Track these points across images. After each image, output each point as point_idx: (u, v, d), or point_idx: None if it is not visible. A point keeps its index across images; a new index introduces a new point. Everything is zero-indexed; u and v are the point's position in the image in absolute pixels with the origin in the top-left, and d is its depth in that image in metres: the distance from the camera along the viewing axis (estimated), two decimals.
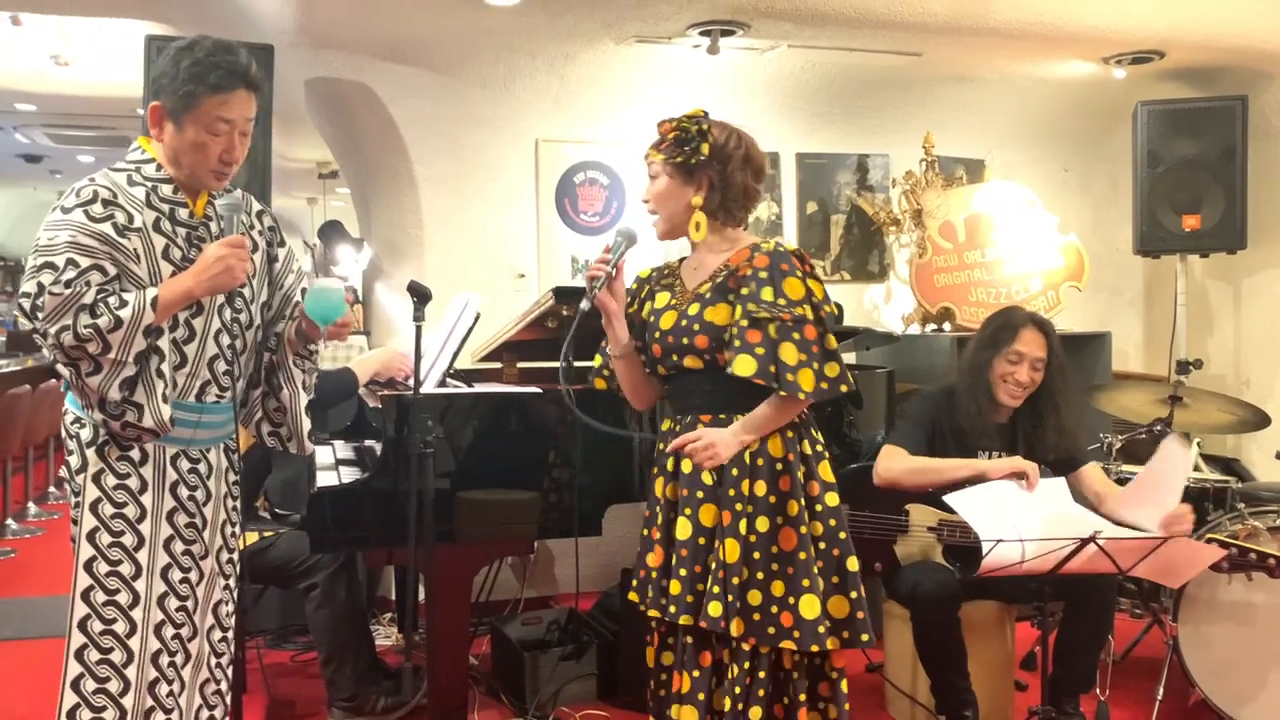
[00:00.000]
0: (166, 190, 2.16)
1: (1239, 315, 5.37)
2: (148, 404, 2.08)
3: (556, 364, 3.48)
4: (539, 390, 3.15)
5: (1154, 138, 4.77)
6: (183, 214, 2.17)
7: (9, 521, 6.14)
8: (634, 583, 2.45)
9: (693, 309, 2.35)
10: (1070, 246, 4.97)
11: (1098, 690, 3.16)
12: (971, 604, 3.05)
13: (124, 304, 2.02)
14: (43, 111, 7.20)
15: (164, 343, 2.09)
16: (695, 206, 2.35)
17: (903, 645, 3.20)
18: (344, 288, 2.31)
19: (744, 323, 2.26)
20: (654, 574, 2.38)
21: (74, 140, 8.24)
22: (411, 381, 2.83)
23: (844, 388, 2.31)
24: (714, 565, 2.26)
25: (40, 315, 2.00)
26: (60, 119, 7.44)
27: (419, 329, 2.72)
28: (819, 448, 2.39)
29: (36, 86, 6.38)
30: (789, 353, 2.23)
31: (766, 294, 2.25)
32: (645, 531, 2.45)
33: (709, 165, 2.34)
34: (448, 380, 3.31)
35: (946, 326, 4.87)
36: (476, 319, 3.24)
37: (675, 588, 2.30)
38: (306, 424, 2.39)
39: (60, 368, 2.06)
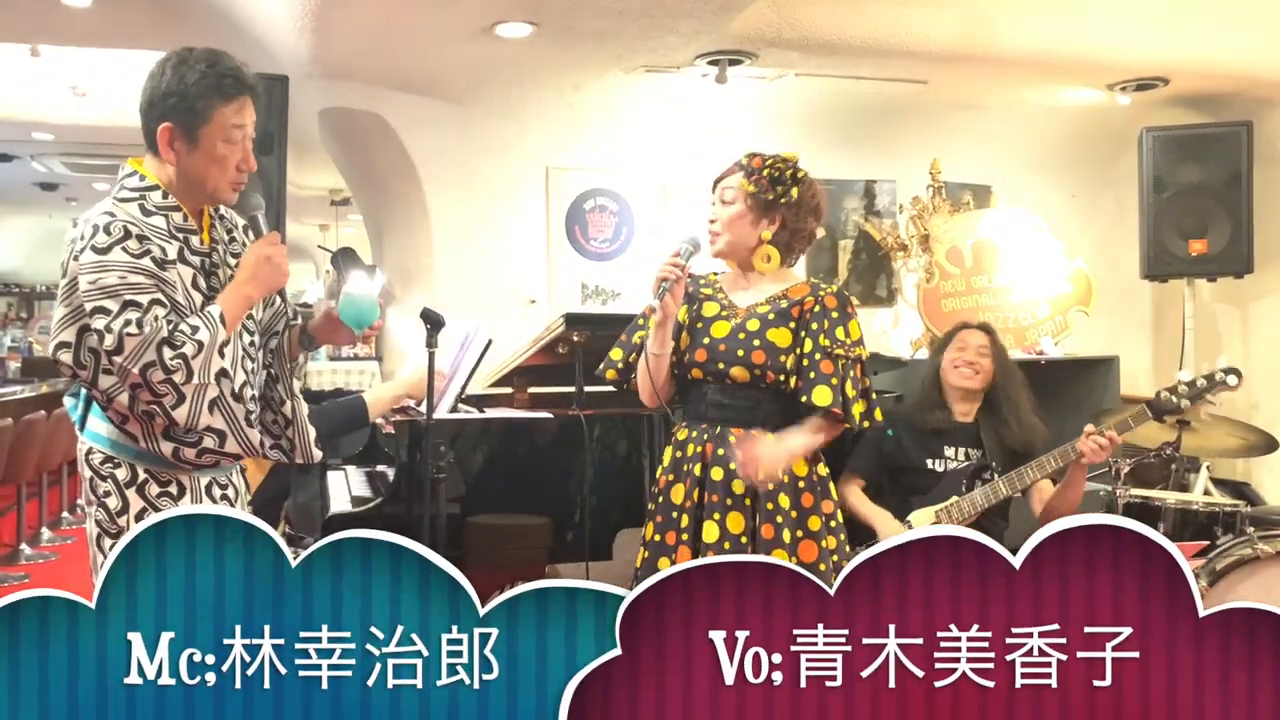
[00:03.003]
0: (178, 219, 2.12)
1: (1247, 339, 5.38)
2: (230, 429, 2.07)
3: (567, 389, 3.53)
4: (549, 415, 3.18)
5: (1160, 163, 4.79)
6: (195, 242, 2.14)
7: (23, 547, 6.17)
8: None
9: (751, 324, 2.47)
10: (1077, 271, 4.99)
11: None
12: None
13: (196, 328, 2.01)
14: (60, 141, 7.30)
15: (227, 365, 2.08)
16: (765, 240, 2.50)
17: None
18: (377, 292, 2.35)
19: (817, 356, 2.42)
20: None
21: (90, 169, 8.34)
22: (424, 404, 2.86)
23: (866, 424, 2.50)
24: None
25: (120, 357, 1.96)
26: (77, 148, 7.54)
27: (432, 355, 2.75)
28: (827, 471, 2.55)
29: (54, 116, 6.48)
30: (849, 388, 2.44)
31: (840, 333, 2.45)
32: (657, 537, 2.50)
33: (789, 207, 2.48)
34: (459, 406, 3.34)
35: None
36: (488, 345, 3.27)
37: None
38: (311, 432, 2.36)
39: (125, 402, 2.02)
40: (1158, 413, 3.07)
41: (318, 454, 2.39)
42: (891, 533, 3.06)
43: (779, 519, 2.41)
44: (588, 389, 3.37)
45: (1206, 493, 3.94)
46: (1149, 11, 4.04)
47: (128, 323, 1.98)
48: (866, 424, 2.49)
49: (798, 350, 2.44)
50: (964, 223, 5.04)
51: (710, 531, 2.43)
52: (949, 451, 3.23)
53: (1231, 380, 3.06)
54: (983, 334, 3.34)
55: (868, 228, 5.35)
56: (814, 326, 2.44)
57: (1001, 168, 5.51)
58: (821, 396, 2.39)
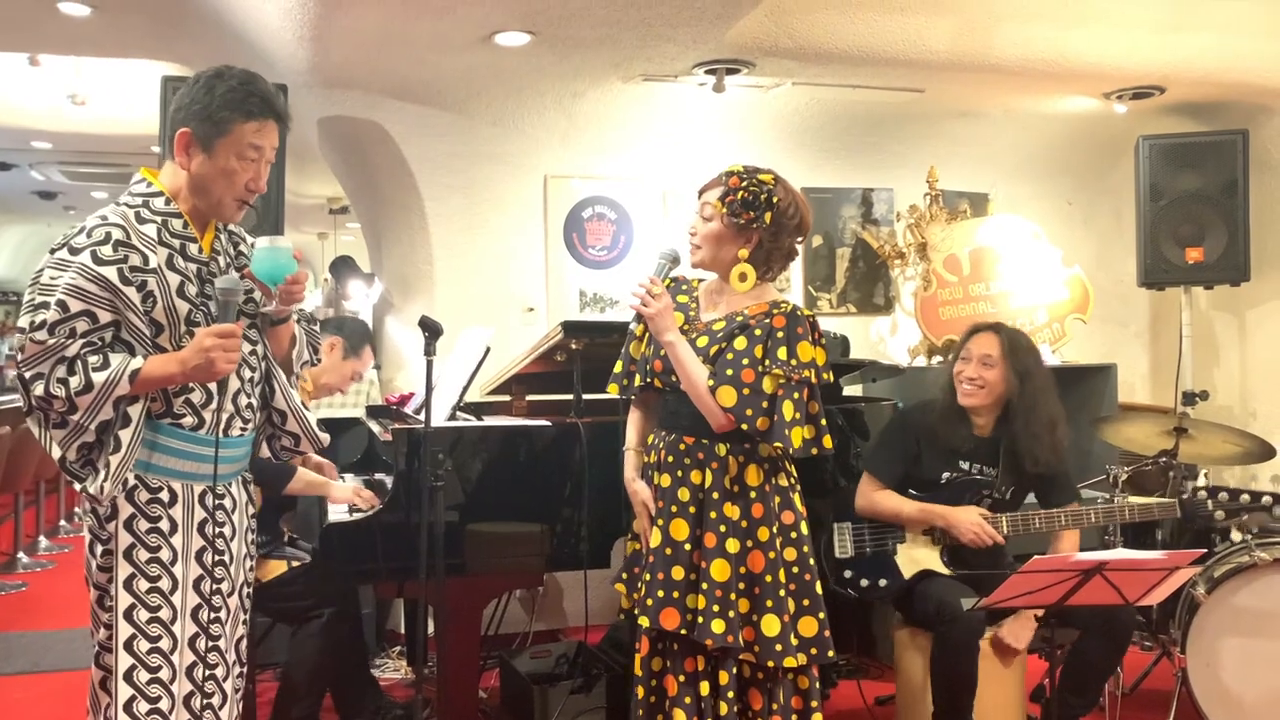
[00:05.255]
0: (176, 225, 2.13)
1: (1244, 347, 5.38)
2: (103, 472, 2.03)
3: (565, 396, 3.53)
4: (548, 423, 3.18)
5: (1156, 171, 4.81)
6: (192, 249, 2.15)
7: (20, 555, 6.17)
8: (624, 575, 2.64)
9: (701, 341, 2.49)
10: (1075, 279, 5.01)
11: None
12: (992, 630, 3.03)
13: (104, 366, 1.97)
14: (58, 149, 7.30)
15: (136, 410, 2.03)
16: (742, 259, 2.50)
17: (915, 677, 3.20)
18: (290, 244, 2.19)
19: (744, 361, 2.42)
20: (636, 572, 2.58)
21: (88, 177, 8.35)
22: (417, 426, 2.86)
23: (814, 450, 2.47)
24: (706, 586, 2.41)
25: (21, 357, 1.97)
26: (75, 156, 7.55)
27: (430, 364, 2.76)
28: (793, 480, 2.54)
29: (53, 125, 6.49)
30: (789, 409, 2.40)
31: (781, 353, 2.42)
32: (630, 534, 2.64)
33: (763, 229, 2.48)
34: (457, 413, 3.34)
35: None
36: (486, 352, 3.28)
37: (642, 590, 2.49)
38: (311, 417, 2.38)
39: (25, 407, 2.03)
40: (1188, 515, 3.03)
41: (325, 437, 2.40)
42: (967, 518, 3.02)
43: (722, 528, 2.43)
44: (586, 396, 3.37)
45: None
46: (1145, 20, 4.06)
47: (41, 325, 1.97)
48: (815, 451, 2.46)
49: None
50: (961, 230, 5.05)
51: (655, 537, 2.49)
52: (964, 466, 3.16)
53: (1278, 511, 3.01)
54: (990, 336, 3.11)
55: (865, 236, 5.36)
56: (755, 343, 2.43)
57: (999, 176, 5.52)
58: (725, 397, 2.40)
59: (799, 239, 2.56)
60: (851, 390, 4.84)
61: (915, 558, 3.13)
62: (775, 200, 2.46)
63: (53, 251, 2.06)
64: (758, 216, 2.45)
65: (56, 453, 2.06)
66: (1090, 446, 4.64)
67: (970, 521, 3.00)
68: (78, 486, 2.09)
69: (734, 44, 4.04)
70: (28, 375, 1.98)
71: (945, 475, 3.16)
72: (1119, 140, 5.18)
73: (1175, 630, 3.33)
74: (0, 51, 5.00)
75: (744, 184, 2.46)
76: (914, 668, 3.17)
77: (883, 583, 3.13)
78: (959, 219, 5.15)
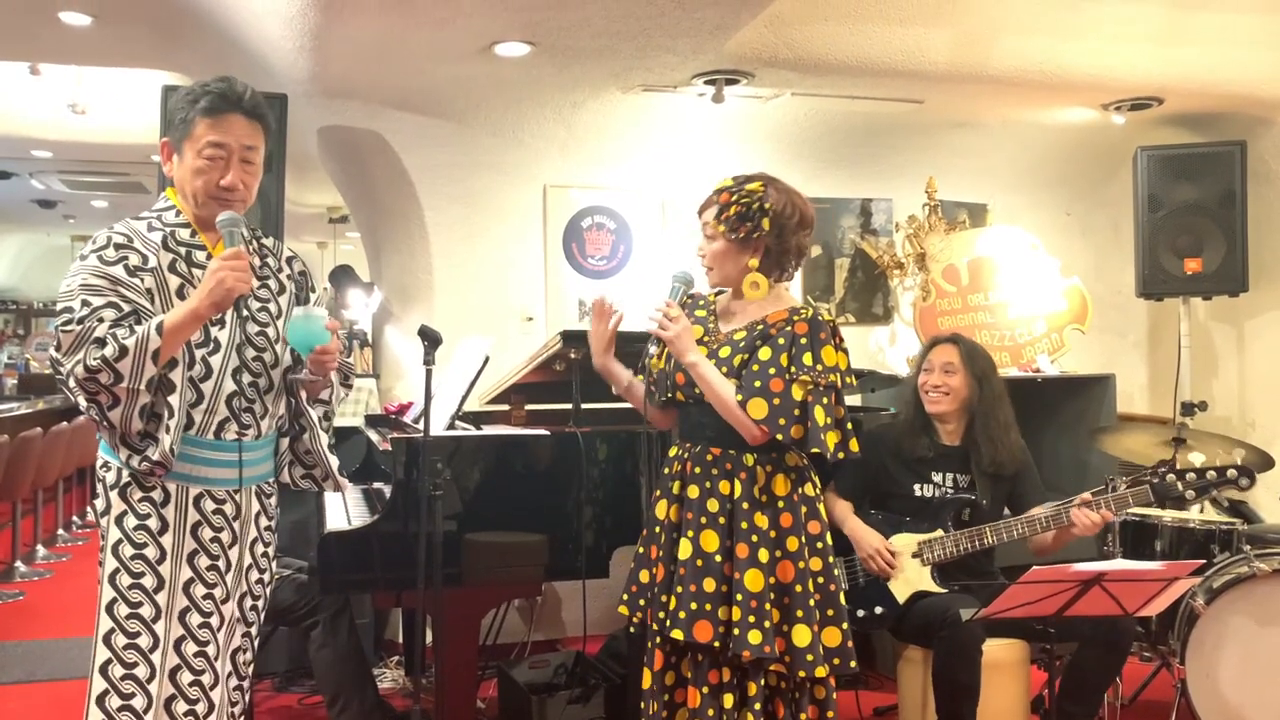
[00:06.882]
0: (184, 234, 2.20)
1: (1242, 357, 5.39)
2: (165, 439, 2.08)
3: (564, 406, 3.53)
4: (546, 432, 3.18)
5: (1154, 182, 4.82)
6: (200, 256, 2.19)
7: (18, 564, 6.16)
8: (625, 596, 2.60)
9: (724, 351, 2.49)
10: (1073, 289, 5.01)
11: None
12: (993, 642, 3.01)
13: (132, 333, 2.04)
14: (58, 158, 7.31)
15: (177, 376, 2.09)
16: (752, 268, 2.50)
17: (916, 689, 3.20)
18: (327, 316, 2.22)
19: (771, 370, 2.41)
20: (651, 590, 2.54)
21: (88, 186, 8.35)
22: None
23: (842, 454, 2.47)
24: (740, 597, 2.38)
25: (59, 353, 2.04)
26: (75, 165, 7.56)
27: (429, 373, 2.76)
28: (817, 490, 2.54)
29: (53, 134, 6.50)
30: (819, 414, 2.39)
31: (806, 359, 2.41)
32: (641, 550, 2.60)
33: (766, 236, 2.47)
34: (456, 423, 3.34)
35: None
36: (485, 362, 3.28)
37: (672, 604, 2.44)
38: (334, 461, 2.41)
39: (83, 405, 2.06)
40: (1160, 498, 3.04)
41: (345, 482, 2.43)
42: (869, 541, 3.12)
43: (754, 538, 2.42)
44: (584, 406, 3.37)
45: (1203, 511, 3.94)
46: (1142, 32, 4.08)
47: (69, 320, 2.04)
48: (841, 455, 2.45)
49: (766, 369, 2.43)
50: (960, 241, 5.06)
51: (684, 549, 2.46)
52: (937, 477, 3.21)
53: (1244, 483, 3.03)
54: (950, 347, 3.25)
55: (864, 246, 5.37)
56: (780, 352, 2.43)
57: (997, 186, 5.53)
58: (756, 409, 2.38)
59: (806, 233, 2.53)
60: (851, 400, 4.85)
61: (908, 579, 3.14)
62: (768, 206, 2.45)
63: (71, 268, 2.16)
64: (755, 226, 2.45)
65: (120, 433, 2.08)
66: (1089, 457, 4.65)
67: (870, 545, 3.11)
68: (137, 462, 2.09)
69: (733, 55, 4.05)
70: (68, 365, 2.02)
71: (917, 487, 3.21)
72: (1117, 151, 5.19)
73: (1174, 641, 3.32)
74: (1, 61, 5.01)
75: (734, 198, 2.46)
76: (914, 679, 3.16)
77: (879, 610, 3.15)
78: (957, 229, 5.16)
